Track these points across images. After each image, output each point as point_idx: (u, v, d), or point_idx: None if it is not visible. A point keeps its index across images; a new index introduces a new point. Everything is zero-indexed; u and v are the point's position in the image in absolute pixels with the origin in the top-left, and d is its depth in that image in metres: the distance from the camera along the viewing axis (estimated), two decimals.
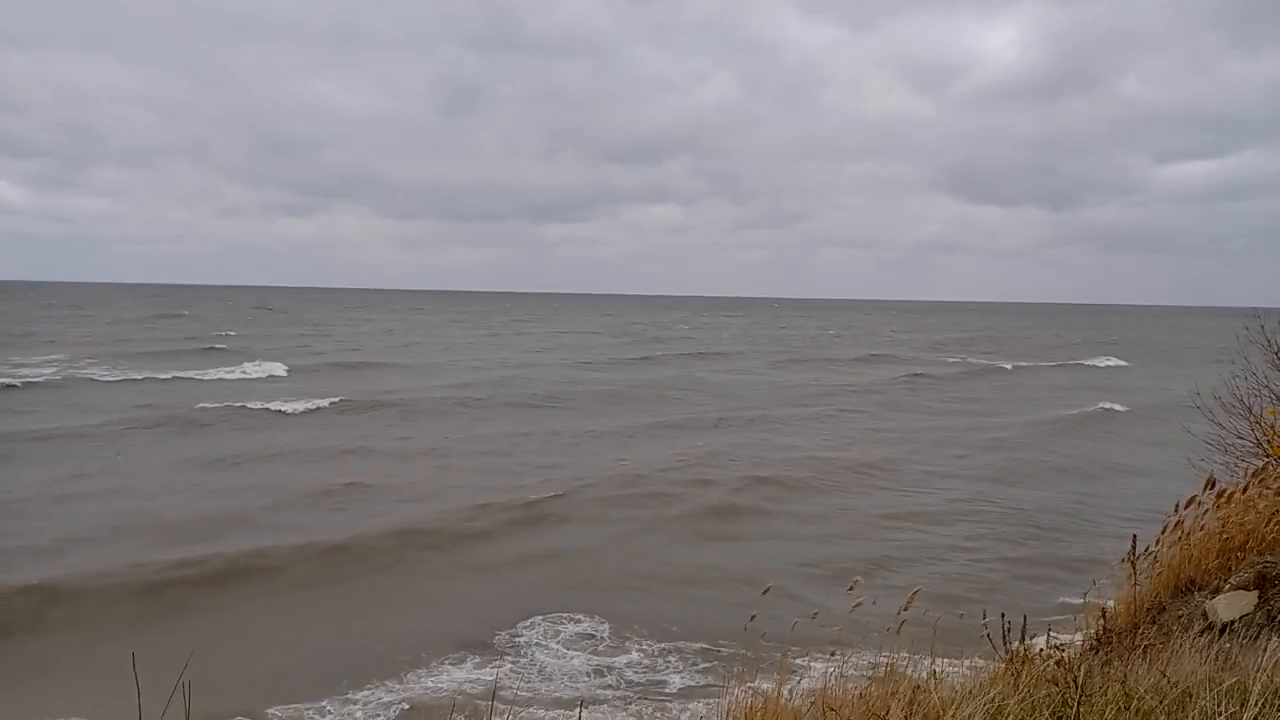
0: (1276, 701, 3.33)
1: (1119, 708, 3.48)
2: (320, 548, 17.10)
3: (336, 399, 36.37)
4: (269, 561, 16.26)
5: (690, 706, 10.83)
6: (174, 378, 44.40)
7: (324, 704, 10.91)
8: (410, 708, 10.85)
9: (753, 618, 5.99)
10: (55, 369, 46.31)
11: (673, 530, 19.55)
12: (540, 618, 14.00)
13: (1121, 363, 69.21)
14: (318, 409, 34.65)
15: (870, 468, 26.19)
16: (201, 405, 34.17)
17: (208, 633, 13.36)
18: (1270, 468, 7.66)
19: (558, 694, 11.33)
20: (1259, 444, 8.38)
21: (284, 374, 47.82)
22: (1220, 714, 3.29)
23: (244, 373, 47.43)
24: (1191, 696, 3.49)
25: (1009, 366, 63.45)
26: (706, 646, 12.85)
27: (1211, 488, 7.15)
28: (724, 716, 5.06)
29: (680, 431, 32.43)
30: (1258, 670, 3.61)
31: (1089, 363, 68.80)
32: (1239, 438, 8.69)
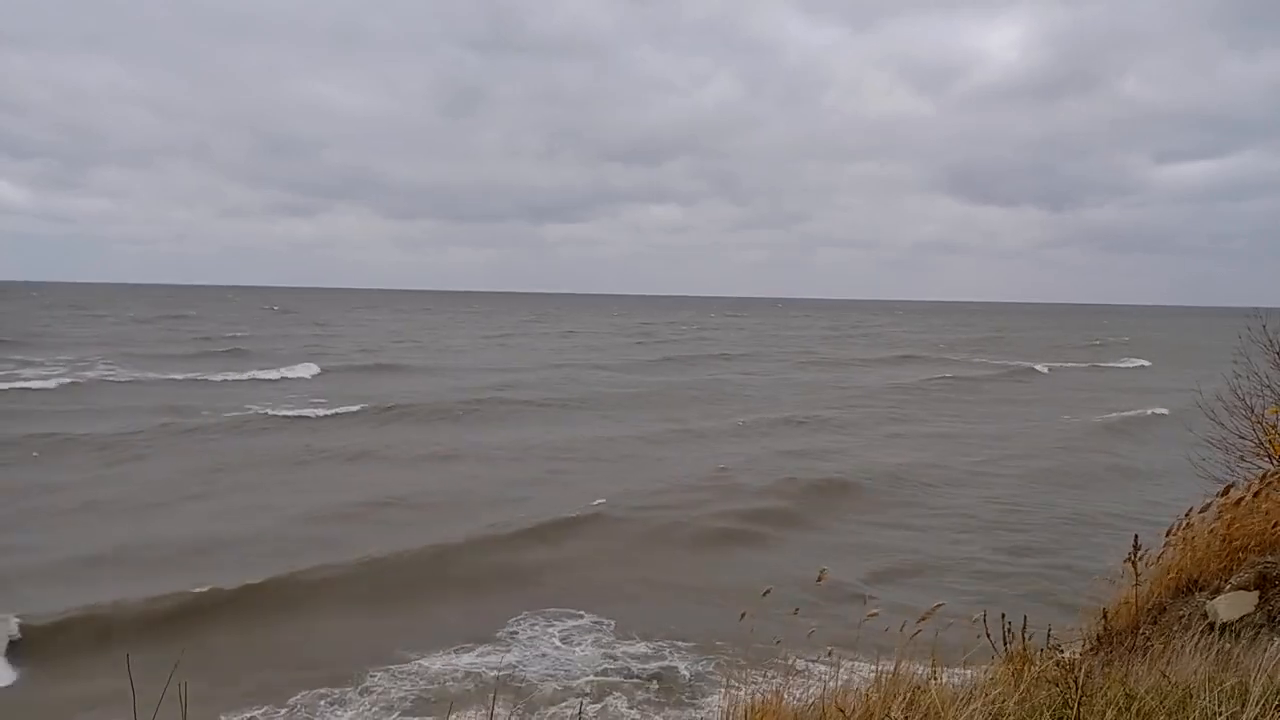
0: (1277, 702, 3.33)
1: (1119, 708, 3.48)
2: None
3: (391, 404, 35.78)
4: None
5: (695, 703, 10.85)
6: (224, 380, 44.13)
7: None
8: None
9: (743, 616, 5.96)
10: (97, 371, 45.98)
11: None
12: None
13: (1145, 363, 68.57)
14: (364, 411, 34.17)
15: (972, 474, 25.81)
16: (261, 410, 33.80)
17: None
18: (1278, 471, 7.66)
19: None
20: (1260, 444, 8.38)
21: (310, 376, 47.20)
22: (1221, 714, 3.29)
23: (281, 374, 46.69)
24: (1192, 697, 3.49)
25: (1044, 369, 61.65)
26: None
27: (1227, 493, 7.15)
28: (724, 717, 5.06)
29: (760, 433, 32.41)
30: (1258, 671, 3.61)
31: (1117, 364, 68.23)
32: (1241, 437, 8.68)
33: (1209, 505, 7.02)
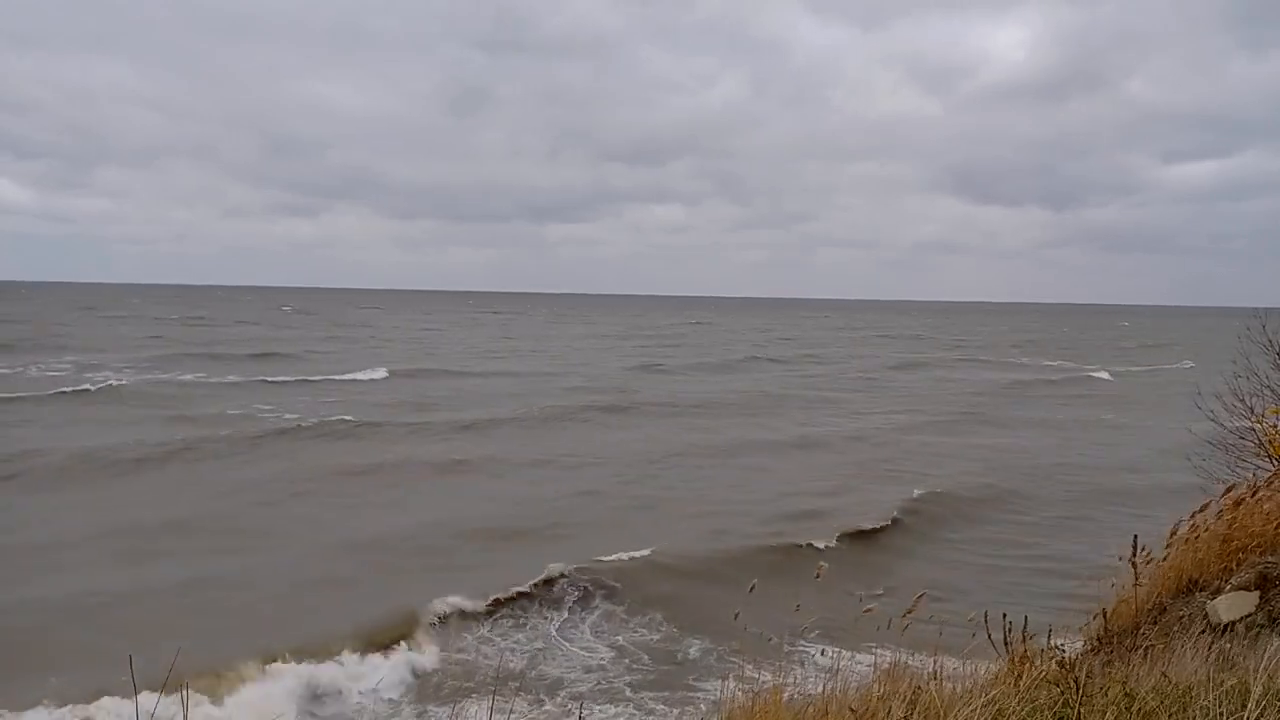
0: (1277, 703, 3.33)
1: (1120, 709, 3.48)
2: None
3: (515, 410, 34.48)
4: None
5: (688, 707, 10.83)
6: (299, 380, 43.51)
7: None
8: None
9: (735, 616, 5.95)
10: (172, 373, 45.12)
11: None
12: None
13: (1192, 364, 66.33)
14: (504, 418, 32.95)
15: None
16: (360, 417, 32.22)
17: None
18: (1278, 471, 7.66)
19: None
20: (1261, 444, 8.38)
21: (379, 378, 45.84)
22: (1221, 715, 3.28)
23: (353, 376, 45.52)
24: (1193, 697, 3.49)
25: (1105, 375, 57.86)
26: None
27: (1228, 494, 7.15)
28: (723, 716, 5.05)
29: (938, 432, 32.27)
30: (1259, 671, 3.60)
31: (1171, 365, 67.08)
32: (1241, 438, 8.69)
33: (1207, 505, 7.02)
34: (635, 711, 10.92)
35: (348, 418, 31.01)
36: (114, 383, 39.20)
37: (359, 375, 45.96)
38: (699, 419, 34.47)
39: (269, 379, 43.30)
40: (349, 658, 12.07)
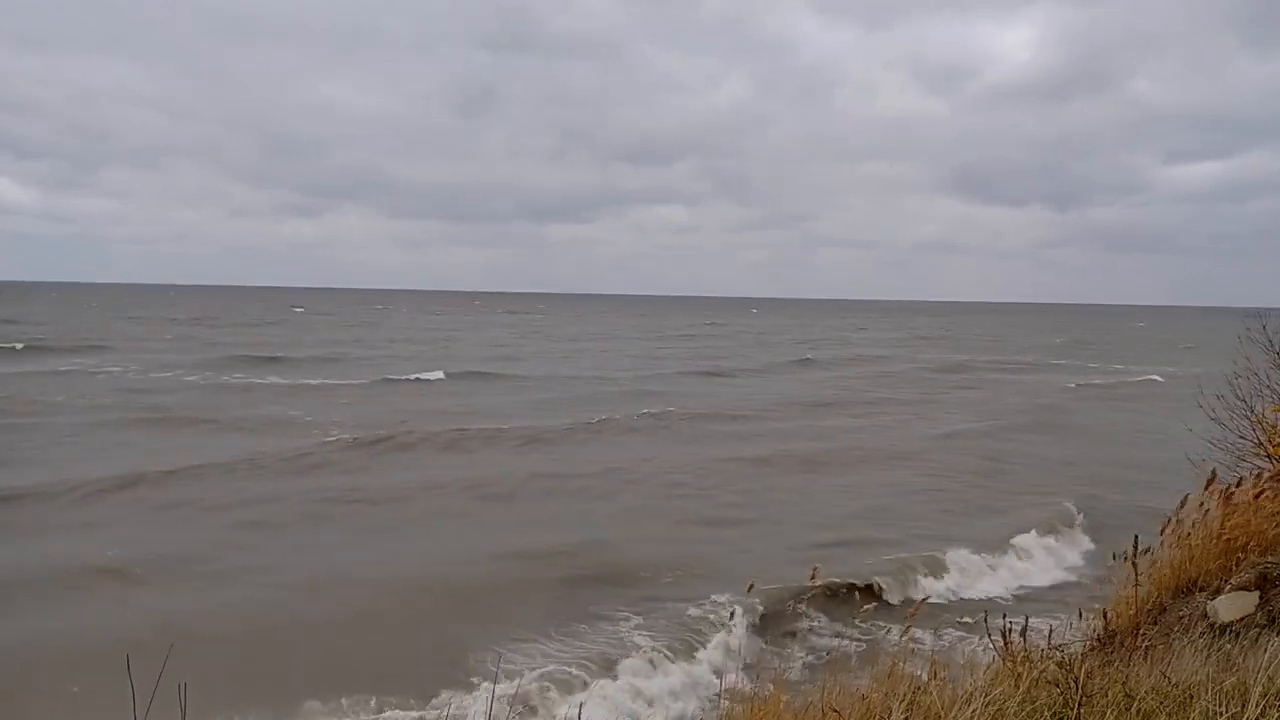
0: (1277, 703, 3.33)
1: (1120, 709, 3.48)
2: None
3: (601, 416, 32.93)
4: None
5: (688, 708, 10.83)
6: (415, 379, 43.39)
7: None
8: None
9: (731, 615, 5.95)
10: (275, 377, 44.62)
11: None
12: None
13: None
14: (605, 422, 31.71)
15: None
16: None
17: None
18: (1277, 471, 7.66)
19: None
20: (1260, 444, 8.37)
21: (438, 379, 45.48)
22: (1221, 715, 3.29)
23: (415, 377, 45.08)
24: (1192, 697, 3.49)
25: (1159, 378, 54.70)
26: None
27: (1210, 486, 7.15)
28: (722, 715, 5.06)
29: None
30: (1258, 671, 3.61)
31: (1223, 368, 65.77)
32: (1240, 437, 8.68)
33: (1185, 500, 7.04)
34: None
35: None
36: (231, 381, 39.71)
37: (425, 375, 45.76)
38: (814, 420, 34.00)
39: (349, 381, 43.12)
40: None
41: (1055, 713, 3.58)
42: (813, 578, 6.34)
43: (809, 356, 66.03)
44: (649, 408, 34.97)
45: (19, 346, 55.84)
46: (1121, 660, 5.08)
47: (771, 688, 5.19)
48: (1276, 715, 3.25)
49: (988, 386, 49.32)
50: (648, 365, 57.84)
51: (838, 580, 13.79)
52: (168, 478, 20.93)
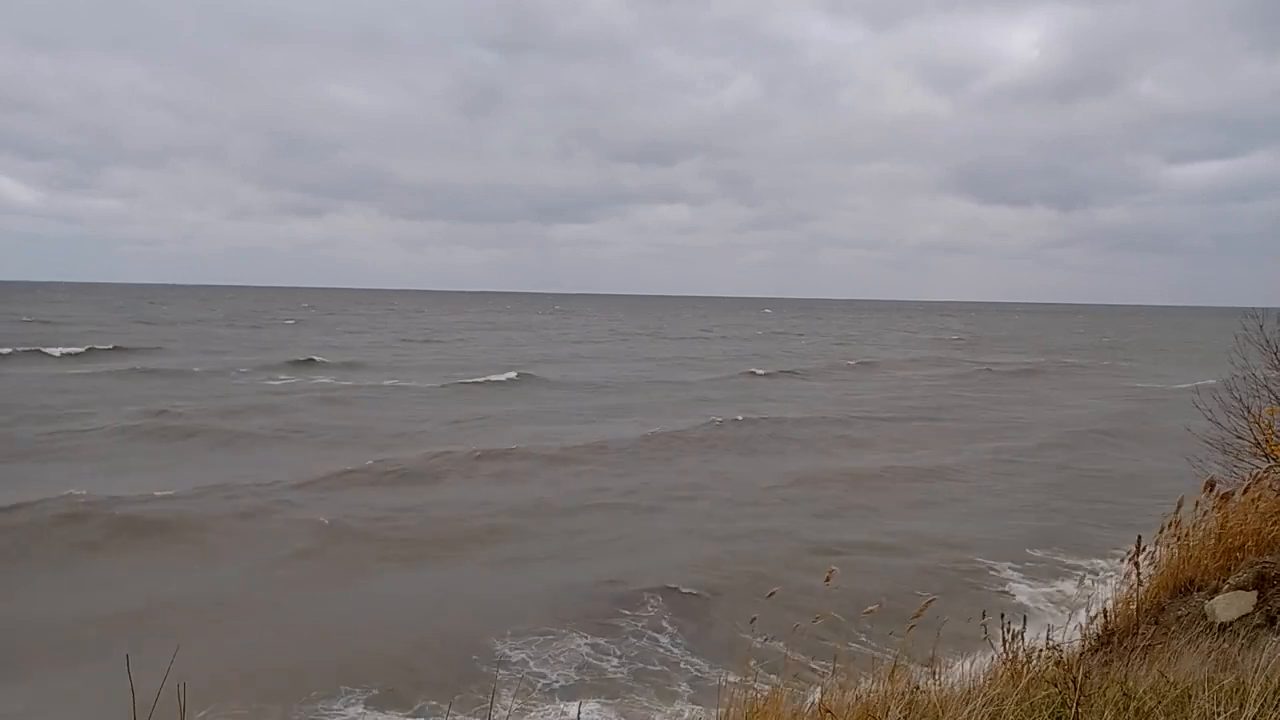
0: (1275, 702, 3.33)
1: (1118, 708, 3.48)
2: None
3: (736, 418, 32.35)
4: None
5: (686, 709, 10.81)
6: (466, 383, 43.10)
7: None
8: None
9: (752, 620, 5.97)
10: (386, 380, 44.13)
11: None
12: None
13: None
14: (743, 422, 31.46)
15: None
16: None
17: None
18: (1273, 471, 7.66)
19: None
20: (1258, 444, 8.38)
21: (508, 379, 45.29)
22: (1219, 714, 3.29)
23: (488, 379, 44.92)
24: (1191, 697, 3.49)
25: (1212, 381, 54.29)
26: None
27: (1211, 489, 7.15)
28: (722, 715, 5.05)
29: None
30: (1256, 670, 3.61)
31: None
32: (1238, 437, 8.68)
33: (1180, 502, 7.04)
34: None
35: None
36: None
37: (495, 377, 45.66)
38: (937, 421, 33.87)
39: (422, 384, 42.83)
40: None
41: (1053, 712, 3.58)
42: (828, 579, 6.33)
43: (867, 360, 64.88)
44: (795, 413, 34.63)
45: (80, 350, 53.82)
46: (1120, 660, 5.09)
47: (771, 688, 5.20)
48: (1275, 714, 3.25)
49: (1088, 388, 48.06)
50: (723, 365, 57.64)
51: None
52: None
